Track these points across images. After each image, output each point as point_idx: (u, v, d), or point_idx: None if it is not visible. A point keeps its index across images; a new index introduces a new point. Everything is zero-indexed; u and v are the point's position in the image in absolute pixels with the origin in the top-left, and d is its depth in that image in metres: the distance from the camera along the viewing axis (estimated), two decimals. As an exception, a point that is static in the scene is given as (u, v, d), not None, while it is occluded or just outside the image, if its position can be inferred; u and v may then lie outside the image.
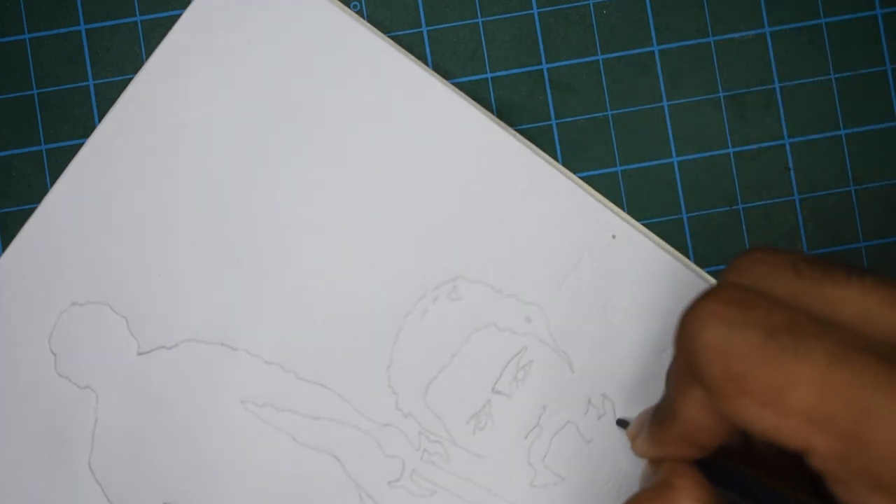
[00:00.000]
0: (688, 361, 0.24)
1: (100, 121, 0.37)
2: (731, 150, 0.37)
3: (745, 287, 0.24)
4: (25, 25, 0.38)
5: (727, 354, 0.23)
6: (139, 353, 0.36)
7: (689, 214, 0.37)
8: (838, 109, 0.37)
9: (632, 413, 0.35)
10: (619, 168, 0.37)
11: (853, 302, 0.23)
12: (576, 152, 0.37)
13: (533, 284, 0.36)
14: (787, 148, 0.37)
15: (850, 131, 0.37)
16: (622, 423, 0.35)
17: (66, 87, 0.38)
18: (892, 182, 0.37)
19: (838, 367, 0.22)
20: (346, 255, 0.36)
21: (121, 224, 0.36)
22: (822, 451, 0.22)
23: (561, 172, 0.36)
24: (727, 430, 0.25)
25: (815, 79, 0.38)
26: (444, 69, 0.38)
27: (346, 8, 0.37)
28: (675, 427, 0.26)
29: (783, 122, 0.37)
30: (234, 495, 0.35)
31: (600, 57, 0.38)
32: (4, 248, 0.37)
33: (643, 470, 0.30)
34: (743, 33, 0.38)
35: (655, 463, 0.28)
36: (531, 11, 0.38)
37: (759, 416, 0.22)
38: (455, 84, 0.37)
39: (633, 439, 0.30)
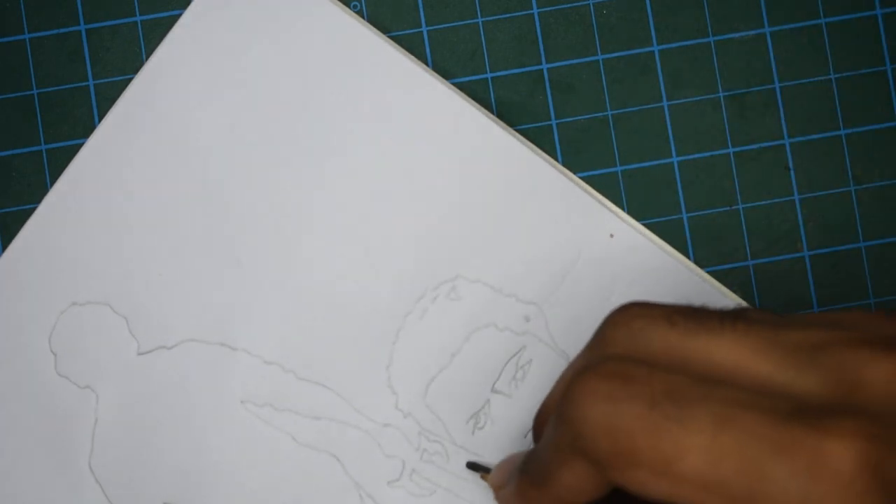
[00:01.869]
0: (572, 438, 0.24)
1: (100, 121, 0.37)
2: (731, 150, 0.37)
3: (623, 358, 0.24)
4: (25, 25, 0.38)
5: (613, 430, 0.23)
6: (139, 353, 0.36)
7: (689, 214, 0.37)
8: (838, 109, 0.37)
9: None
10: (619, 168, 0.37)
11: (728, 350, 0.23)
12: (576, 152, 0.37)
13: (532, 284, 0.36)
14: (787, 148, 0.37)
15: (850, 131, 0.37)
16: (473, 467, 0.35)
17: (66, 87, 0.38)
18: (892, 182, 0.37)
19: (726, 431, 0.22)
20: (346, 255, 0.36)
21: (121, 224, 0.36)
22: None
23: (561, 172, 0.36)
24: (606, 490, 0.25)
25: (815, 79, 0.38)
26: (444, 69, 0.38)
27: (346, 8, 0.37)
28: (550, 491, 0.25)
29: (783, 122, 0.37)
30: (234, 495, 0.35)
31: (600, 57, 0.38)
32: (4, 248, 0.37)
33: None
34: (743, 33, 0.38)
35: None
36: (531, 11, 0.38)
37: (653, 485, 0.22)
38: (455, 84, 0.37)
39: (497, 490, 0.29)
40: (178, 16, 0.37)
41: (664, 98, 0.38)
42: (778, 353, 0.23)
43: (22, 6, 0.38)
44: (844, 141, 0.37)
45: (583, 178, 0.37)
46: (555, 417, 0.24)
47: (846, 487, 0.21)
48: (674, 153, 0.37)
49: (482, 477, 0.34)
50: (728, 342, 0.23)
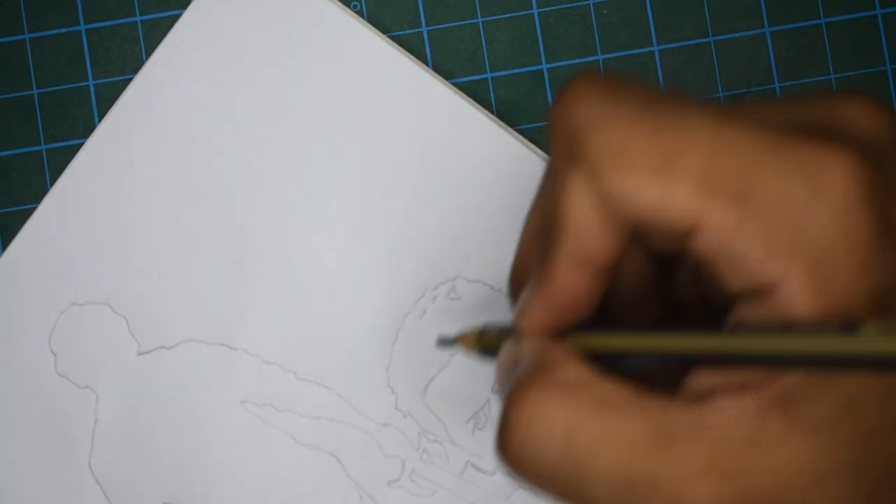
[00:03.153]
0: (566, 145, 0.22)
1: (100, 121, 0.37)
2: (731, 150, 0.37)
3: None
4: (25, 25, 0.38)
5: (608, 126, 0.21)
6: (139, 353, 0.36)
7: (689, 214, 0.37)
8: (838, 109, 0.37)
9: None
10: (619, 168, 0.37)
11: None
12: (576, 152, 0.37)
13: (532, 284, 0.36)
14: (787, 148, 0.37)
15: (850, 131, 0.37)
16: (443, 342, 0.30)
17: (66, 87, 0.38)
18: (892, 182, 0.37)
19: (726, 128, 0.21)
20: (346, 255, 0.36)
21: (121, 224, 0.36)
22: (712, 223, 0.21)
23: (561, 172, 0.36)
24: (615, 239, 0.22)
25: (815, 79, 0.38)
26: (444, 69, 0.38)
27: (346, 8, 0.37)
28: (562, 240, 0.23)
29: (783, 122, 0.37)
30: (234, 495, 0.35)
31: (600, 57, 0.38)
32: (4, 248, 0.37)
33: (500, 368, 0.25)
34: (743, 33, 0.38)
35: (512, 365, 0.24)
36: (531, 11, 0.38)
37: (645, 189, 0.21)
38: (455, 84, 0.37)
39: (518, 308, 0.25)
40: (178, 16, 0.37)
41: (664, 98, 0.37)
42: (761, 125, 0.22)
43: (22, 6, 0.38)
44: (844, 141, 0.37)
45: (583, 178, 0.37)
46: (549, 142, 0.23)
47: (841, 195, 0.20)
48: (674, 153, 0.37)
49: (457, 345, 0.30)
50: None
